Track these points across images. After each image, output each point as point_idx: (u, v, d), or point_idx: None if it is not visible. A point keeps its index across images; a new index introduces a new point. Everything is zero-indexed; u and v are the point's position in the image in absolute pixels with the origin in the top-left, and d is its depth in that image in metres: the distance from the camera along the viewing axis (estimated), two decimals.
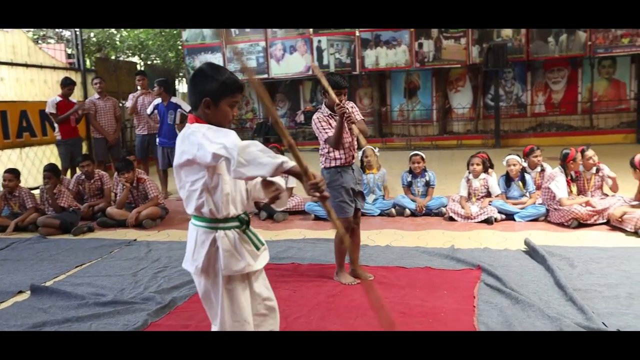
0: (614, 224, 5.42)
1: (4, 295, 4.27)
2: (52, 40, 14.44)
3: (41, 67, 9.99)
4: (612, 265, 4.28)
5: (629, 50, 13.03)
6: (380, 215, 6.53)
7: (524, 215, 5.95)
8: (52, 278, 4.67)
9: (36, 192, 7.40)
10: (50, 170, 6.70)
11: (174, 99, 8.33)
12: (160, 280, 4.42)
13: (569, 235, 5.32)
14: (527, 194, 6.27)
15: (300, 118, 16.23)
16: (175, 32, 16.60)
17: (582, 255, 4.56)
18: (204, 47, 15.51)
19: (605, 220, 5.58)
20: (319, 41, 14.66)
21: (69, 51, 13.30)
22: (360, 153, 6.60)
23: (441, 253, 4.81)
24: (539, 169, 6.55)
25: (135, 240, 5.88)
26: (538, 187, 6.35)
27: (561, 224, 5.66)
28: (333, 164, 4.05)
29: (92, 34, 14.51)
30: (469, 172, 6.35)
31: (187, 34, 15.50)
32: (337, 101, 3.87)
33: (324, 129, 4.05)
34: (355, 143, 4.14)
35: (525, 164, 6.49)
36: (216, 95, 2.19)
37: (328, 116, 4.08)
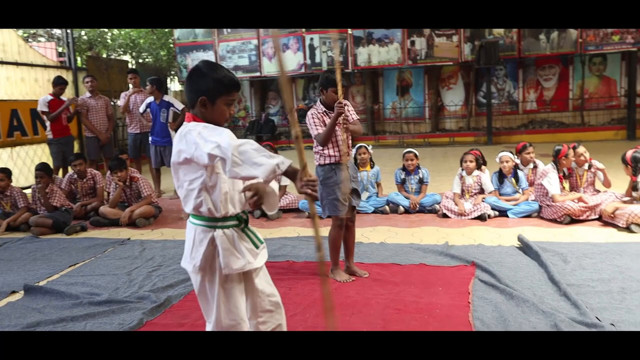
0: (606, 220, 5.47)
1: None
2: (42, 39, 14.35)
3: (32, 65, 9.92)
4: (605, 261, 4.31)
5: (619, 47, 13.10)
6: (374, 212, 6.55)
7: (517, 211, 5.98)
8: (46, 278, 4.65)
9: (28, 191, 7.36)
10: (42, 170, 6.65)
11: (166, 98, 8.30)
12: (154, 279, 4.41)
13: (562, 231, 5.35)
14: (520, 191, 6.31)
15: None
16: (166, 30, 16.53)
17: (575, 250, 4.60)
18: (195, 45, 15.46)
19: (597, 216, 5.63)
20: (311, 39, 14.65)
21: (60, 49, 13.23)
22: (353, 150, 6.61)
23: (435, 250, 4.83)
24: (531, 165, 6.59)
25: (128, 239, 5.86)
26: (531, 184, 6.39)
27: (554, 220, 5.69)
28: (327, 161, 4.06)
29: (82, 32, 14.42)
30: (462, 169, 6.38)
31: (179, 32, 15.44)
32: (340, 99, 3.87)
33: (315, 126, 4.05)
34: (350, 141, 4.14)
35: (518, 161, 6.53)
36: (212, 94, 2.18)
37: (322, 113, 4.08)
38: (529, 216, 5.94)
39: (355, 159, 6.80)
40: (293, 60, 14.88)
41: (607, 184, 6.01)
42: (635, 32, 12.70)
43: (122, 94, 8.95)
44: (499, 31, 13.60)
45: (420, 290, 3.90)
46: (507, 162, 6.31)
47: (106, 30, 15.67)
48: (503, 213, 6.05)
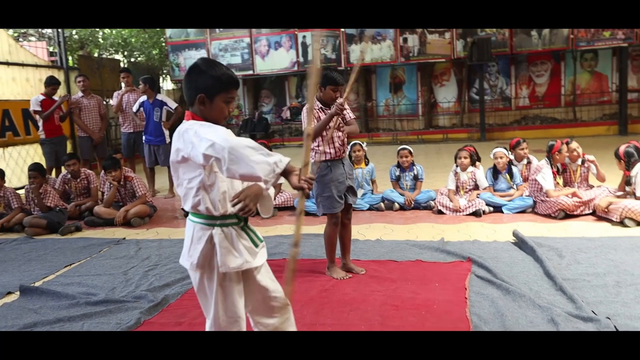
0: (600, 215, 5.50)
1: None
2: (33, 38, 14.25)
3: (23, 65, 9.87)
4: (600, 255, 4.34)
5: (610, 43, 13.19)
6: (369, 209, 6.56)
7: (511, 207, 6.01)
8: (42, 278, 4.63)
9: (21, 192, 7.32)
10: (36, 170, 6.62)
11: (159, 96, 8.28)
12: (151, 279, 4.40)
13: (556, 226, 5.39)
14: (514, 186, 6.34)
15: (286, 114, 16.20)
16: (158, 29, 16.47)
17: (570, 245, 4.63)
18: (187, 44, 15.41)
19: (591, 211, 5.67)
20: (304, 37, 14.64)
21: (51, 49, 13.15)
22: (348, 148, 6.62)
23: (431, 246, 4.85)
24: (525, 161, 6.63)
25: (124, 238, 5.84)
26: (525, 180, 6.42)
27: (548, 215, 5.73)
28: (323, 158, 4.05)
29: (74, 31, 14.33)
30: (457, 166, 6.40)
31: (171, 30, 15.38)
32: (342, 100, 3.87)
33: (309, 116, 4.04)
34: (346, 138, 4.15)
35: (511, 157, 6.56)
36: (211, 91, 2.17)
37: (319, 109, 4.08)
38: (523, 212, 5.98)
39: (349, 156, 6.80)
40: (286, 58, 14.87)
41: (600, 177, 6.05)
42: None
43: (115, 93, 8.90)
44: (491, 28, 13.65)
45: (417, 287, 3.91)
46: (501, 158, 6.34)
47: (97, 29, 15.59)
48: (498, 209, 6.08)
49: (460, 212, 6.03)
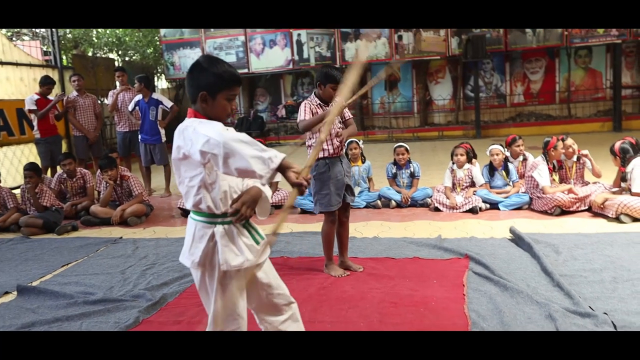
0: (596, 211, 5.53)
1: None
2: (26, 37, 14.18)
3: (17, 64, 9.82)
4: (596, 251, 4.36)
5: (604, 39, 13.24)
6: (366, 207, 6.57)
7: (508, 204, 6.03)
8: (39, 278, 4.62)
9: (16, 191, 7.30)
10: (32, 169, 6.59)
11: (154, 95, 8.25)
12: (149, 277, 4.39)
13: (553, 222, 5.41)
14: (511, 183, 6.36)
15: (282, 112, 16.19)
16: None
17: (567, 241, 4.65)
18: (182, 43, 15.38)
19: (587, 207, 5.69)
20: (299, 35, 14.62)
21: (45, 48, 13.08)
22: (345, 145, 6.61)
23: (428, 243, 4.86)
24: (521, 158, 6.65)
25: (121, 238, 5.83)
26: (521, 176, 6.45)
27: (544, 212, 5.75)
28: (321, 155, 4.05)
29: (67, 31, 14.25)
30: (453, 163, 6.41)
31: (165, 29, 15.34)
32: (345, 103, 3.87)
33: (305, 114, 4.04)
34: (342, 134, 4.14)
35: (507, 154, 6.58)
36: (213, 89, 2.16)
37: (317, 105, 4.07)
38: (519, 208, 6.00)
39: (346, 154, 6.80)
40: (281, 56, 14.85)
41: (595, 172, 6.08)
42: None
43: (110, 93, 8.87)
44: None
45: (415, 284, 3.92)
46: (497, 155, 6.36)
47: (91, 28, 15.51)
48: (494, 206, 6.09)
49: (456, 209, 6.05)
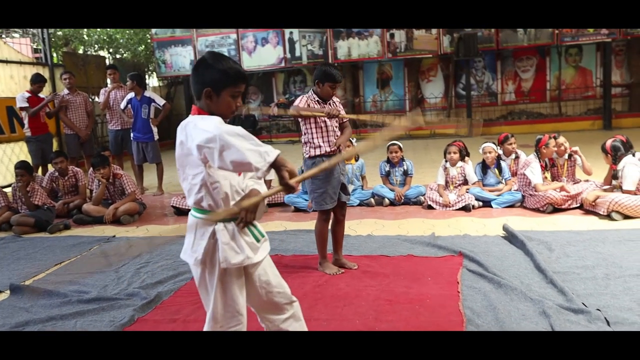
0: (588, 208, 5.57)
1: None
2: (16, 35, 14.06)
3: (7, 62, 9.74)
4: (588, 248, 4.40)
5: (594, 38, 13.33)
6: (359, 205, 6.58)
7: (500, 201, 6.07)
8: (32, 277, 4.59)
9: (7, 190, 7.24)
10: (23, 168, 6.55)
11: (147, 93, 8.22)
12: (143, 276, 4.38)
13: (545, 220, 5.45)
14: (503, 181, 6.40)
15: (274, 110, 16.16)
16: None
17: (559, 239, 4.68)
18: (173, 40, 15.30)
19: (578, 205, 5.74)
20: (291, 33, 14.60)
21: (35, 45, 12.98)
22: None
23: (422, 241, 4.88)
24: (513, 156, 6.69)
25: (114, 236, 5.81)
26: (513, 174, 6.49)
27: (537, 209, 5.79)
28: (318, 152, 4.05)
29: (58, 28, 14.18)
30: (446, 161, 6.44)
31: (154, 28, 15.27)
32: (346, 117, 3.92)
33: (300, 103, 4.06)
34: (339, 133, 4.16)
35: (500, 152, 6.61)
36: (217, 85, 2.15)
37: (315, 101, 4.08)
38: (512, 206, 6.03)
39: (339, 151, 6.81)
40: (273, 54, 14.83)
41: (586, 169, 6.13)
42: None
43: (102, 90, 8.83)
44: None
45: (410, 281, 3.94)
46: (490, 153, 6.39)
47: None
48: (487, 203, 6.13)
49: (450, 207, 6.07)
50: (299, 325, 2.47)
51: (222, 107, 2.19)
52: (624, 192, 5.35)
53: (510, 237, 4.79)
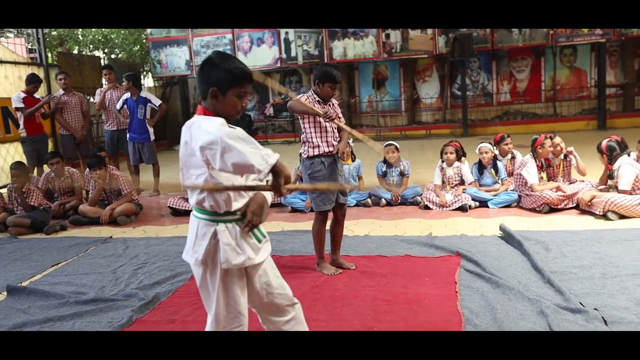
0: (583, 208, 5.60)
1: None
2: (11, 35, 13.99)
3: (1, 62, 9.71)
4: (585, 248, 4.42)
5: (588, 38, 13.40)
6: (356, 205, 6.59)
7: (497, 201, 6.09)
8: (28, 278, 4.57)
9: (3, 191, 7.20)
10: (19, 169, 6.52)
11: (143, 94, 8.21)
12: (141, 277, 4.37)
13: (541, 220, 5.47)
14: (500, 181, 6.42)
15: (269, 111, 16.17)
16: None
17: (556, 239, 4.70)
18: (169, 41, 15.28)
19: (574, 205, 5.76)
20: (287, 33, 14.61)
21: (30, 46, 12.92)
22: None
23: (420, 241, 4.89)
24: (509, 156, 6.71)
25: (111, 237, 5.79)
26: (510, 174, 6.51)
27: (533, 209, 5.81)
28: (316, 152, 4.05)
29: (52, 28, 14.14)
30: (443, 161, 6.45)
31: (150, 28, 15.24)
32: (342, 126, 3.93)
33: (301, 99, 4.06)
34: (337, 134, 4.16)
35: (496, 152, 6.63)
36: (223, 85, 2.15)
37: (315, 101, 4.09)
38: (508, 206, 6.05)
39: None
40: (268, 54, 14.83)
41: (580, 170, 6.16)
42: None
43: (98, 91, 8.80)
44: None
45: (408, 281, 3.95)
46: (486, 153, 6.41)
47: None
48: (483, 203, 6.15)
49: (446, 207, 6.09)
50: (301, 327, 2.46)
51: (228, 107, 2.19)
52: (619, 192, 5.38)
53: (507, 237, 4.80)
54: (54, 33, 14.51)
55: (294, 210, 6.48)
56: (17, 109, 8.07)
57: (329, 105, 4.12)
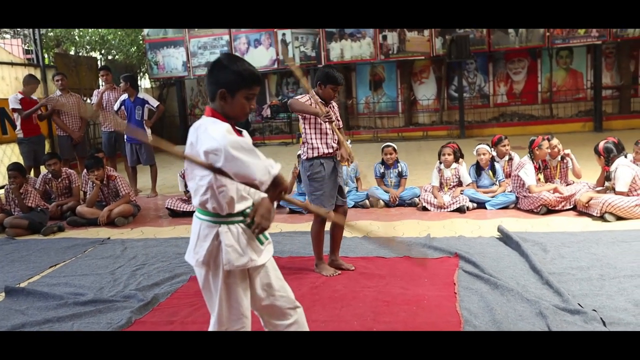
0: (581, 210, 5.62)
1: None
2: (7, 36, 13.96)
3: None
4: (582, 249, 4.44)
5: (584, 40, 13.43)
6: (354, 206, 6.59)
7: (494, 203, 6.10)
8: (27, 279, 4.56)
9: (0, 192, 7.19)
10: (16, 170, 6.50)
11: (140, 95, 8.20)
12: (139, 278, 4.37)
13: (539, 221, 5.49)
14: (497, 183, 6.44)
15: (267, 112, 16.15)
16: None
17: (554, 240, 4.72)
18: (166, 42, 15.25)
19: (572, 206, 5.78)
20: (284, 34, 14.60)
21: (26, 46, 12.90)
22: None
23: (418, 242, 4.90)
24: (507, 157, 6.72)
25: (108, 238, 5.78)
26: (507, 176, 6.52)
27: (530, 211, 5.83)
28: (315, 154, 4.05)
29: (49, 29, 14.08)
30: (440, 162, 6.46)
31: (148, 28, 15.22)
32: (337, 133, 3.93)
33: (302, 98, 4.08)
34: (337, 137, 4.17)
35: (494, 153, 6.65)
36: (232, 87, 2.16)
37: (317, 102, 4.09)
38: (506, 207, 6.07)
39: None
40: (265, 55, 14.81)
41: (576, 172, 6.19)
42: None
43: (95, 92, 8.78)
44: None
45: (407, 282, 3.96)
46: (484, 154, 6.43)
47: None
48: (481, 205, 6.16)
49: (444, 208, 6.10)
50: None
51: (236, 108, 2.20)
52: (616, 193, 5.40)
53: (505, 238, 4.82)
54: (51, 34, 14.46)
55: (292, 211, 6.49)
56: (14, 110, 8.04)
57: (330, 107, 4.13)
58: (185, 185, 6.96)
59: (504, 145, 6.69)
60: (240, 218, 2.21)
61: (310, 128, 4.07)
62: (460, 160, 6.60)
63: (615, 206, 5.24)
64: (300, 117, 4.13)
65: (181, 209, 6.60)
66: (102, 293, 4.10)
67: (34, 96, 8.31)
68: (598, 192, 5.72)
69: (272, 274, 2.36)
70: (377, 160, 6.90)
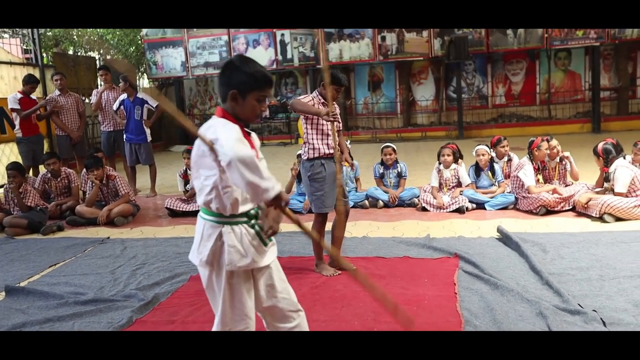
0: (580, 210, 5.63)
1: None
2: (6, 35, 13.95)
3: None
4: (582, 250, 4.45)
5: (583, 42, 13.47)
6: (353, 207, 6.57)
7: (494, 204, 6.12)
8: (27, 278, 4.56)
9: None
10: (15, 169, 6.50)
11: (140, 94, 8.20)
12: (139, 278, 4.37)
13: (538, 222, 5.50)
14: (496, 183, 6.45)
15: (265, 112, 16.16)
16: None
17: (553, 240, 4.73)
18: (164, 42, 15.24)
19: (571, 207, 5.80)
20: (282, 35, 14.61)
21: (25, 46, 12.88)
22: None
23: (418, 242, 4.91)
24: (506, 158, 6.74)
25: (108, 238, 5.78)
26: (506, 177, 6.54)
27: (530, 212, 5.84)
28: (316, 154, 4.06)
29: (48, 28, 14.08)
30: (440, 163, 6.48)
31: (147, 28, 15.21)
32: (335, 137, 3.94)
33: (304, 98, 4.08)
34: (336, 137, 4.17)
35: (493, 154, 6.66)
36: (244, 88, 2.16)
37: (320, 103, 4.10)
38: (505, 208, 6.08)
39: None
40: (264, 56, 14.81)
41: (574, 174, 6.21)
42: None
43: (94, 92, 8.77)
44: None
45: (407, 282, 3.97)
46: (483, 155, 6.44)
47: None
48: (480, 205, 6.17)
49: (443, 208, 6.11)
50: None
51: (247, 110, 2.20)
52: (615, 194, 5.41)
53: (505, 238, 4.83)
54: (49, 34, 14.46)
55: (292, 211, 6.48)
56: (12, 109, 8.03)
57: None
58: (185, 185, 6.98)
59: (503, 146, 6.71)
60: (244, 219, 2.21)
61: (311, 128, 4.08)
62: (460, 161, 6.61)
63: (614, 207, 5.26)
64: (302, 117, 4.14)
65: (180, 209, 6.61)
66: (102, 292, 4.10)
67: (33, 96, 8.29)
68: (597, 193, 5.73)
69: (276, 275, 2.36)
70: (376, 160, 6.91)
